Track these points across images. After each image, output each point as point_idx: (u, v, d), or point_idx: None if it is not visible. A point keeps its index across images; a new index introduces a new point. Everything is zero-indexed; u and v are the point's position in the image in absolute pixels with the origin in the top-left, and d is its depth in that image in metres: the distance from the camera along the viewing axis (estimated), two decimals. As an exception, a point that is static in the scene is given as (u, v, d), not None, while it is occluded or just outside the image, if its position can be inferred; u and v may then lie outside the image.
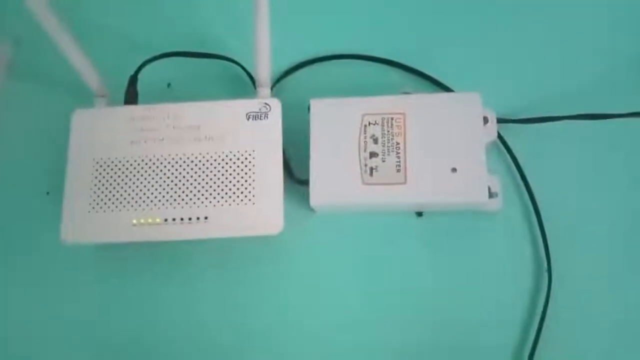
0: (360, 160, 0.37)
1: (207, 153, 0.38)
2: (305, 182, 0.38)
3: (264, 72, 0.39)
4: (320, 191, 0.37)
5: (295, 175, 0.40)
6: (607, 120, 0.39)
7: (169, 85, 0.45)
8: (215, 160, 0.38)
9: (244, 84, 0.44)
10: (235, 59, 0.44)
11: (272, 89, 0.42)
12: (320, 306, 0.39)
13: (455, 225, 0.40)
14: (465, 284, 0.39)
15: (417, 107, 0.38)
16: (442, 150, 0.37)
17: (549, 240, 0.38)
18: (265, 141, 0.38)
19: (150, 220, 0.37)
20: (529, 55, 0.43)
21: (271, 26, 0.45)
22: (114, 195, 0.38)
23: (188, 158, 0.38)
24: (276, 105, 0.39)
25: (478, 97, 0.37)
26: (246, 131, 0.38)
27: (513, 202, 0.40)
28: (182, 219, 0.37)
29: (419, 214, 0.40)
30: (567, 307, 0.37)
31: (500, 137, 0.40)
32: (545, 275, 0.38)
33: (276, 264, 0.40)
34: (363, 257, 0.40)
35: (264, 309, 0.39)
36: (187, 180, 0.38)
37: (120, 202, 0.37)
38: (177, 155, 0.38)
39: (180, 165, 0.38)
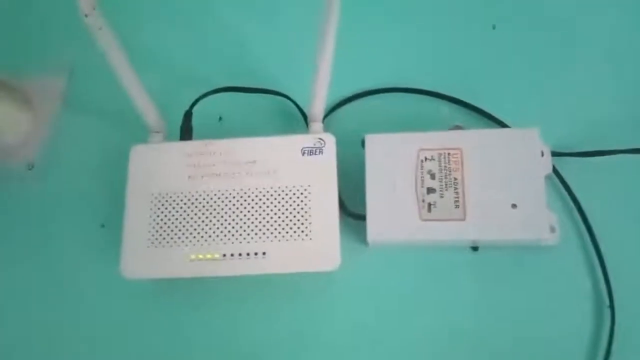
0: (417, 196, 0.37)
1: (264, 188, 0.38)
2: (359, 217, 0.38)
3: (319, 107, 0.39)
4: (377, 227, 0.37)
5: (348, 209, 0.40)
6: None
7: (220, 119, 0.46)
8: (271, 195, 0.38)
9: (292, 118, 0.45)
10: (285, 93, 0.45)
11: (322, 122, 0.43)
12: (375, 342, 0.39)
13: (512, 261, 0.39)
14: (523, 320, 0.38)
15: (474, 142, 0.38)
16: (501, 186, 0.36)
17: (610, 275, 0.38)
18: (320, 176, 0.38)
19: (208, 256, 0.37)
20: (583, 87, 0.43)
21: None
22: (172, 230, 0.38)
23: (245, 193, 0.38)
24: (330, 141, 0.39)
25: (536, 132, 0.37)
26: (301, 166, 0.39)
27: (570, 236, 0.39)
28: (240, 255, 0.37)
29: (475, 248, 0.40)
30: (632, 344, 0.37)
31: (555, 170, 0.40)
32: (608, 311, 0.37)
33: (330, 299, 0.40)
34: (418, 293, 0.40)
35: (318, 345, 0.39)
36: (245, 215, 0.38)
37: (179, 237, 0.38)
38: (234, 190, 0.38)
39: (238, 200, 0.38)
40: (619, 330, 0.36)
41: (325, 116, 0.44)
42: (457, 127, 0.41)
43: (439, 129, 0.41)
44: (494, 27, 0.46)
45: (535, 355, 0.37)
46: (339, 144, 0.40)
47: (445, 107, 0.44)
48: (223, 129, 0.46)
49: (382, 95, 0.45)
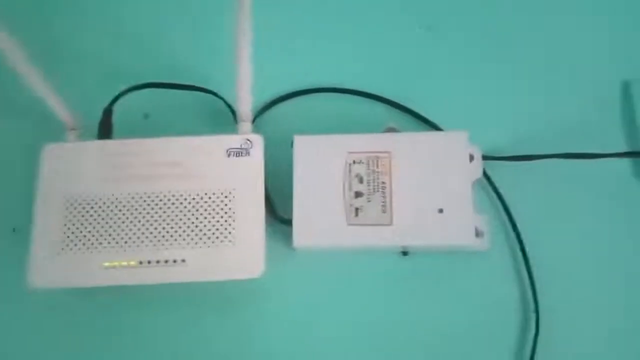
0: (345, 200, 0.36)
1: (185, 191, 0.36)
2: (288, 222, 0.37)
3: (245, 107, 0.38)
4: (303, 232, 0.36)
5: (278, 213, 0.39)
6: (593, 159, 0.39)
7: (146, 116, 0.44)
8: (193, 199, 0.36)
9: (226, 117, 0.43)
10: (217, 91, 0.43)
11: (253, 122, 0.41)
12: (302, 350, 0.38)
13: (441, 265, 0.39)
14: (452, 324, 0.38)
15: (403, 145, 0.37)
16: (428, 190, 0.36)
17: (536, 280, 0.38)
18: (246, 179, 0.37)
19: (124, 263, 0.35)
20: (516, 92, 0.43)
21: (254, 57, 0.45)
22: (85, 236, 0.36)
23: (165, 196, 0.36)
24: (258, 142, 0.38)
25: (465, 135, 0.37)
26: (226, 168, 0.37)
27: (500, 241, 0.39)
28: (157, 262, 0.35)
29: (405, 253, 0.39)
30: (555, 349, 0.37)
31: (485, 174, 0.40)
32: (533, 316, 0.37)
33: (256, 307, 0.38)
34: (347, 298, 0.39)
35: (244, 354, 0.38)
36: (164, 220, 0.36)
37: (92, 243, 0.35)
38: (152, 193, 0.36)
39: (157, 204, 0.36)
40: (542, 336, 0.36)
41: (257, 116, 0.43)
42: (391, 129, 0.40)
43: (374, 131, 0.40)
44: (429, 29, 0.45)
45: (464, 357, 0.37)
46: (271, 145, 0.39)
47: (379, 109, 0.43)
48: (149, 128, 0.43)
49: (318, 95, 0.44)
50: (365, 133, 0.38)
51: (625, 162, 0.41)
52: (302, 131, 0.39)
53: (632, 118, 0.42)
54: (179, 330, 0.38)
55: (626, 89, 0.43)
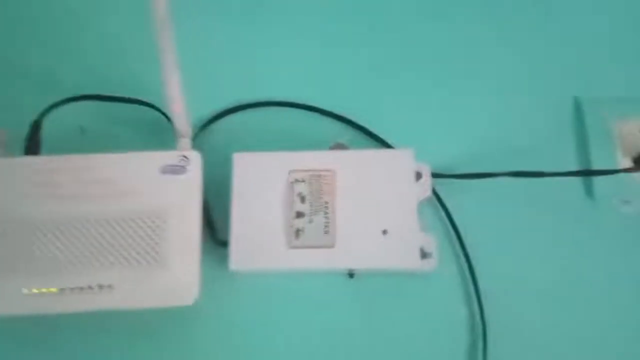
0: (285, 221, 0.34)
1: (114, 211, 0.34)
2: (227, 244, 0.35)
3: (182, 122, 0.36)
4: (240, 255, 0.34)
5: (219, 235, 0.37)
6: (543, 178, 0.38)
7: (82, 131, 0.41)
8: (123, 220, 0.34)
9: (168, 132, 0.41)
10: (159, 105, 0.41)
11: (194, 138, 0.39)
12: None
13: (388, 287, 0.37)
14: (399, 346, 0.36)
15: (347, 163, 0.35)
16: (373, 210, 0.34)
17: (484, 301, 0.36)
18: (181, 198, 0.35)
19: (44, 290, 0.32)
20: (468, 110, 0.42)
21: (199, 70, 0.43)
22: (4, 260, 0.33)
23: (92, 217, 0.34)
24: (196, 159, 0.36)
25: (411, 153, 0.36)
26: (161, 187, 0.35)
27: (449, 261, 0.38)
28: (81, 288, 0.33)
29: (351, 274, 0.37)
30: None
31: (435, 193, 0.38)
32: (481, 338, 0.36)
33: (193, 335, 0.36)
34: (290, 323, 0.37)
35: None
36: (90, 243, 0.33)
37: (11, 268, 0.33)
38: (79, 213, 0.34)
39: (83, 225, 0.34)
40: (490, 357, 0.35)
41: (200, 131, 0.41)
42: (340, 146, 0.39)
43: (322, 147, 0.38)
44: (381, 43, 0.44)
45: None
46: (213, 163, 0.37)
47: (328, 124, 0.41)
48: (85, 143, 0.41)
49: (265, 109, 0.42)
50: (310, 150, 0.37)
51: (577, 181, 0.40)
52: (248, 147, 0.38)
53: (584, 136, 0.41)
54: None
55: (578, 106, 0.42)
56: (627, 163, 0.40)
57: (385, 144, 0.40)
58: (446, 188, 0.39)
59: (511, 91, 0.42)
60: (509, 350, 0.36)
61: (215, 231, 0.37)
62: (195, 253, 0.34)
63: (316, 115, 0.41)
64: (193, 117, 0.41)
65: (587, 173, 0.40)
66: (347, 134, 0.40)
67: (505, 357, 0.36)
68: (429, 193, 0.37)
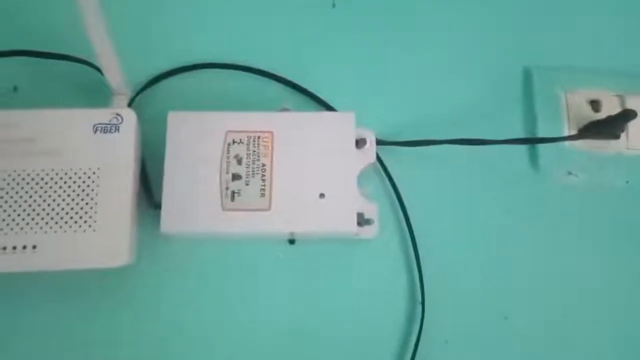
0: (221, 183, 0.33)
1: (42, 170, 0.33)
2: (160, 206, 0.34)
3: (115, 78, 0.34)
4: (172, 217, 0.33)
5: (155, 197, 0.36)
6: (489, 145, 0.37)
7: (15, 89, 0.39)
8: (51, 179, 0.32)
9: (106, 91, 0.39)
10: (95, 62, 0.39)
11: (135, 99, 0.38)
12: (177, 346, 0.35)
13: (329, 255, 0.37)
14: (337, 313, 0.36)
15: (286, 125, 0.34)
16: (311, 174, 0.33)
17: (424, 270, 0.36)
18: (114, 158, 0.33)
19: (-37, 250, 0.31)
20: (416, 76, 0.41)
21: (139, 29, 0.41)
22: None
23: (19, 176, 0.32)
24: (130, 117, 0.34)
25: (352, 117, 0.35)
26: (91, 146, 0.33)
27: (391, 228, 0.38)
28: (4, 248, 0.31)
29: (291, 241, 0.37)
30: (439, 341, 0.36)
31: (379, 159, 0.38)
32: (419, 306, 0.36)
33: (127, 298, 0.35)
34: (227, 289, 0.36)
35: (110, 350, 0.34)
36: (16, 202, 0.32)
37: None
38: (4, 171, 0.32)
39: (8, 184, 0.32)
40: (427, 327, 0.35)
41: (141, 91, 0.39)
42: (285, 110, 0.38)
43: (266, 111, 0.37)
44: (333, 5, 0.43)
45: (350, 347, 0.35)
46: (152, 123, 0.36)
47: (272, 87, 0.40)
48: (17, 100, 0.39)
49: (208, 70, 0.41)
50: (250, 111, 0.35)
51: (522, 150, 0.40)
52: (190, 108, 0.36)
53: (531, 106, 0.41)
54: (36, 325, 0.34)
55: (527, 76, 0.42)
56: (573, 134, 0.40)
57: (329, 108, 0.39)
58: (390, 155, 0.38)
59: (460, 60, 0.42)
60: (447, 317, 0.36)
61: (151, 193, 0.36)
62: (126, 214, 0.32)
63: (260, 78, 0.40)
64: (136, 79, 0.39)
65: (529, 141, 0.39)
66: (290, 98, 0.39)
67: (444, 324, 0.36)
68: (373, 159, 0.37)
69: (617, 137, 0.39)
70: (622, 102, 0.41)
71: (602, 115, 0.39)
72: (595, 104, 0.40)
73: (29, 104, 0.38)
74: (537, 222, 0.39)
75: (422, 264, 0.36)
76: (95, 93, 0.39)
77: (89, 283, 0.35)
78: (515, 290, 0.37)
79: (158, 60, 0.40)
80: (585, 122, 0.40)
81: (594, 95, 0.41)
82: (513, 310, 0.37)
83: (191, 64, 0.40)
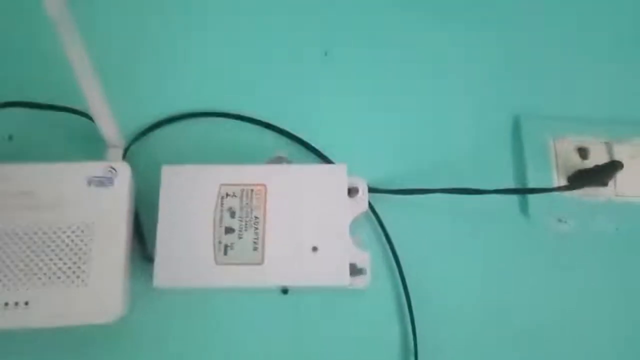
0: (214, 237, 0.33)
1: (36, 225, 0.33)
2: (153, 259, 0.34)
3: (109, 130, 0.35)
4: (165, 272, 0.33)
5: (149, 251, 0.36)
6: (478, 195, 0.38)
7: (10, 138, 0.40)
8: (44, 233, 0.33)
9: (101, 142, 0.39)
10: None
11: (128, 148, 0.39)
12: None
13: (322, 305, 0.37)
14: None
15: (279, 178, 0.35)
16: (304, 227, 0.34)
17: (416, 319, 0.36)
18: (107, 212, 0.34)
19: (-45, 307, 0.31)
20: (405, 126, 0.42)
21: (133, 78, 0.42)
22: None
23: (12, 230, 0.33)
24: (125, 170, 0.35)
25: (344, 168, 0.35)
26: (86, 199, 0.34)
27: (383, 277, 0.38)
28: (-4, 305, 0.31)
29: (285, 291, 0.37)
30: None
31: (371, 207, 0.38)
32: (412, 358, 0.36)
33: (121, 351, 0.35)
34: (222, 340, 0.36)
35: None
36: (8, 257, 0.32)
37: None
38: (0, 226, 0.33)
39: (1, 239, 0.32)
40: (421, 378, 0.35)
41: (134, 141, 0.40)
42: (280, 159, 0.38)
43: (261, 160, 0.38)
44: (325, 54, 0.44)
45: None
46: (147, 175, 0.36)
47: (267, 136, 0.41)
48: (12, 150, 0.39)
49: (202, 119, 0.41)
50: (245, 163, 0.36)
51: (512, 199, 0.40)
52: (185, 159, 0.37)
53: (521, 154, 0.42)
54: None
55: (517, 124, 0.43)
56: (562, 181, 0.41)
57: (322, 157, 0.39)
58: (383, 203, 0.39)
59: (450, 109, 0.43)
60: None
61: (145, 245, 0.36)
62: (119, 270, 0.32)
63: (253, 126, 0.41)
64: (129, 127, 0.40)
65: (520, 191, 0.40)
66: (284, 146, 0.40)
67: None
68: (365, 208, 0.37)
69: (605, 185, 0.39)
70: (610, 149, 0.42)
71: (590, 162, 0.40)
72: (583, 152, 0.41)
73: (24, 154, 0.39)
74: (529, 269, 0.39)
75: (414, 313, 0.36)
76: (91, 143, 0.39)
77: (83, 335, 0.35)
78: (510, 336, 0.37)
79: (152, 108, 0.41)
80: (573, 169, 0.41)
81: (581, 142, 0.42)
82: (508, 356, 0.37)
83: (184, 112, 0.41)
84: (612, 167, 0.37)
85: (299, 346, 0.36)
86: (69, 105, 0.39)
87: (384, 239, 0.38)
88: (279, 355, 0.36)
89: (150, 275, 0.34)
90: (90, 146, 0.39)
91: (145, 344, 0.36)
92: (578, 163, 0.41)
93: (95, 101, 0.32)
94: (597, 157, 0.41)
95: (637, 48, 0.46)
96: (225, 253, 0.33)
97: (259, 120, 0.41)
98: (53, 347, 0.34)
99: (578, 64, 0.45)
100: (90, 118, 0.39)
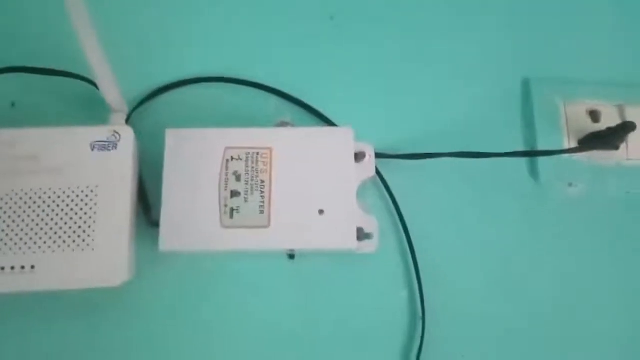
0: (220, 200, 0.33)
1: (39, 189, 0.32)
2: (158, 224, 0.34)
3: (112, 95, 0.34)
4: (171, 235, 0.32)
5: (154, 215, 0.36)
6: (487, 159, 0.37)
7: (13, 104, 0.39)
8: (49, 197, 0.32)
9: (102, 108, 0.39)
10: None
11: (132, 113, 0.38)
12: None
13: (329, 268, 0.36)
14: (339, 328, 0.36)
15: (285, 141, 0.34)
16: (310, 190, 0.33)
17: (424, 284, 0.36)
18: (111, 176, 0.33)
19: (-39, 270, 0.31)
20: (416, 89, 0.41)
21: (137, 43, 0.41)
22: None
23: (17, 195, 0.32)
24: (128, 134, 0.34)
25: (350, 132, 0.35)
26: (89, 164, 0.33)
27: (390, 242, 0.37)
28: (2, 268, 0.31)
29: (291, 256, 0.36)
30: (441, 356, 0.35)
31: (378, 173, 0.38)
32: (420, 321, 0.36)
33: (128, 316, 0.35)
34: (229, 305, 0.36)
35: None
36: (14, 222, 0.32)
37: None
38: (1, 190, 0.32)
39: (6, 203, 0.32)
40: (428, 343, 0.35)
41: (138, 106, 0.39)
42: (284, 124, 0.37)
43: (266, 125, 0.37)
44: (332, 18, 0.43)
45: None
46: (151, 138, 0.35)
47: (273, 101, 0.40)
48: (15, 117, 0.39)
49: (208, 84, 0.40)
50: (248, 127, 0.35)
51: (521, 162, 0.40)
52: (190, 124, 0.36)
53: (531, 117, 0.41)
54: (34, 341, 0.34)
55: (526, 87, 0.42)
56: (573, 145, 0.40)
57: (329, 123, 0.39)
58: (390, 168, 0.38)
59: (460, 72, 0.42)
60: (447, 333, 0.36)
61: (150, 211, 0.36)
62: (125, 233, 0.32)
63: (258, 91, 0.40)
64: (134, 92, 0.39)
65: (529, 154, 0.39)
66: (289, 111, 0.39)
67: (444, 339, 0.36)
68: (372, 173, 0.36)
69: (617, 148, 0.39)
70: (622, 112, 0.41)
71: (601, 126, 0.39)
72: (594, 115, 0.40)
73: (27, 120, 0.38)
74: (538, 234, 0.39)
75: (422, 278, 0.36)
76: (94, 108, 0.39)
77: (89, 300, 0.35)
78: (518, 303, 0.37)
79: (156, 74, 0.40)
80: (584, 133, 0.40)
81: (593, 106, 0.41)
82: (515, 323, 0.37)
83: (189, 78, 0.40)
84: (624, 129, 0.36)
85: (306, 311, 0.36)
86: (72, 70, 0.39)
87: (391, 204, 0.38)
88: (287, 321, 0.36)
89: (156, 242, 0.34)
90: (94, 112, 0.38)
91: (152, 309, 0.35)
92: (589, 126, 0.40)
93: (98, 66, 0.31)
94: (609, 120, 0.40)
95: (651, 10, 0.44)
96: (231, 216, 0.33)
97: (264, 85, 0.40)
98: (60, 311, 0.35)
99: (589, 26, 0.43)
100: (93, 83, 0.39)
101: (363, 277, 0.37)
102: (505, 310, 0.37)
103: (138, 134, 0.35)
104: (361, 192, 0.36)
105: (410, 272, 0.37)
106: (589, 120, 0.40)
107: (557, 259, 0.38)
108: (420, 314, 0.36)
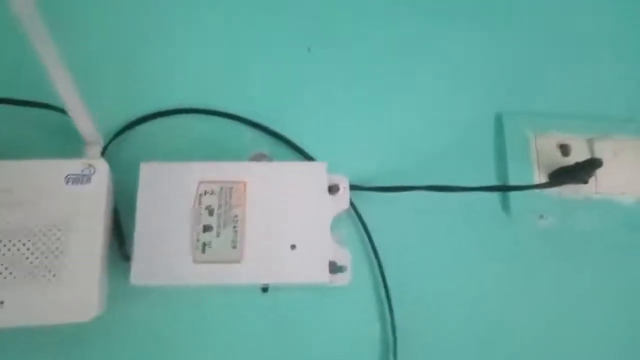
0: (192, 235, 0.33)
1: (12, 223, 0.32)
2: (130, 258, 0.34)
3: (86, 128, 0.34)
4: (142, 270, 0.32)
5: (128, 250, 0.35)
6: (460, 192, 0.38)
7: (-12, 135, 0.39)
8: (21, 231, 0.32)
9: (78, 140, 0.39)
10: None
11: (108, 145, 0.38)
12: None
13: (303, 301, 0.37)
14: (313, 361, 0.36)
15: (259, 176, 0.35)
16: (284, 225, 0.34)
17: (396, 315, 0.36)
18: (85, 210, 0.33)
19: None
20: (387, 123, 0.42)
21: (115, 75, 0.41)
22: None
23: (-11, 228, 0.32)
24: (102, 168, 0.34)
25: (324, 166, 0.35)
26: (63, 197, 0.33)
27: (364, 274, 0.38)
28: (-30, 305, 0.31)
29: (265, 289, 0.36)
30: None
31: (352, 205, 0.38)
32: (391, 354, 0.36)
33: (98, 349, 0.35)
34: (202, 338, 0.36)
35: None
36: (-16, 256, 0.32)
37: None
38: (-26, 225, 0.32)
39: (-23, 237, 0.32)
40: (400, 374, 0.35)
41: (114, 138, 0.39)
42: (261, 156, 0.38)
43: (241, 157, 0.38)
44: (309, 50, 0.44)
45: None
46: (126, 170, 0.35)
47: (249, 133, 0.41)
48: (-10, 147, 0.39)
49: (184, 116, 0.41)
50: (226, 160, 0.36)
51: (493, 195, 0.40)
52: (165, 157, 0.36)
53: (503, 151, 0.42)
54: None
55: (499, 121, 0.43)
56: (543, 178, 0.41)
57: (304, 155, 0.39)
58: (364, 201, 0.39)
59: (432, 106, 0.43)
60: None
61: (124, 244, 0.36)
62: (96, 268, 0.32)
63: (235, 123, 0.40)
64: (111, 123, 0.39)
65: (501, 188, 0.40)
66: (265, 142, 0.40)
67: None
68: (346, 206, 0.37)
69: (586, 182, 0.40)
70: (591, 145, 0.42)
71: (570, 160, 0.40)
72: (564, 149, 0.41)
73: (1, 152, 0.38)
74: (510, 265, 0.39)
75: (394, 310, 0.37)
76: (71, 140, 0.39)
77: (60, 334, 0.35)
78: (489, 333, 0.37)
79: (132, 106, 0.41)
80: (554, 166, 0.41)
81: (563, 139, 0.42)
82: (488, 353, 0.37)
83: (166, 109, 0.41)
84: (591, 165, 0.37)
85: (279, 344, 0.36)
86: (48, 102, 0.39)
87: (365, 236, 0.38)
88: (260, 353, 0.36)
89: (128, 274, 0.34)
90: (70, 144, 0.39)
91: (123, 343, 0.35)
92: (559, 160, 0.41)
93: (69, 98, 0.31)
94: (579, 154, 0.41)
95: (618, 47, 0.46)
96: (203, 251, 0.33)
97: (241, 117, 0.40)
98: (30, 347, 0.34)
99: (560, 61, 0.45)
100: (67, 114, 0.39)
101: (336, 309, 0.37)
102: (478, 342, 0.37)
103: (114, 166, 0.36)
104: (335, 223, 0.36)
105: (383, 303, 0.37)
106: (558, 153, 0.41)
107: (529, 290, 0.39)
108: (392, 345, 0.36)
